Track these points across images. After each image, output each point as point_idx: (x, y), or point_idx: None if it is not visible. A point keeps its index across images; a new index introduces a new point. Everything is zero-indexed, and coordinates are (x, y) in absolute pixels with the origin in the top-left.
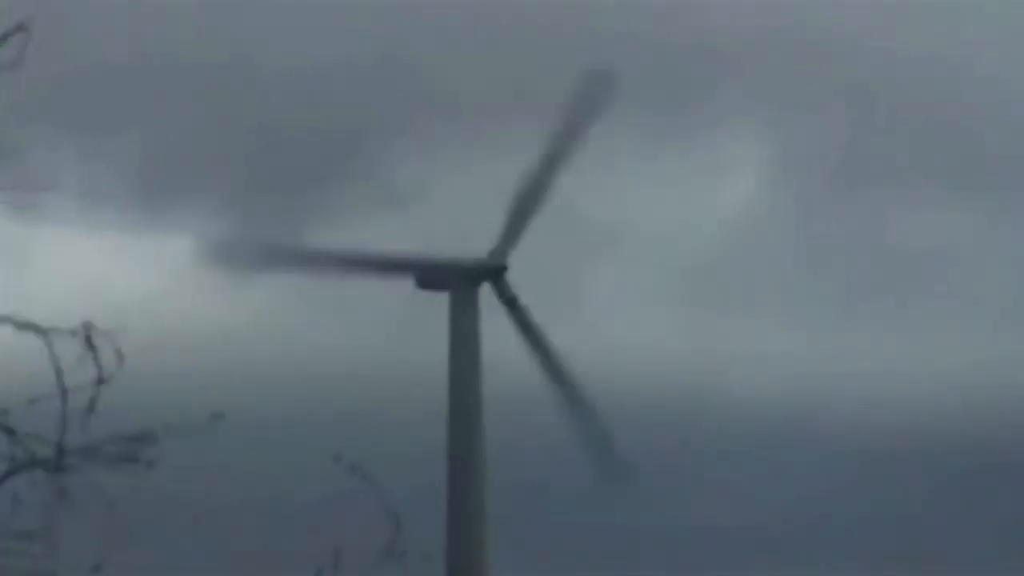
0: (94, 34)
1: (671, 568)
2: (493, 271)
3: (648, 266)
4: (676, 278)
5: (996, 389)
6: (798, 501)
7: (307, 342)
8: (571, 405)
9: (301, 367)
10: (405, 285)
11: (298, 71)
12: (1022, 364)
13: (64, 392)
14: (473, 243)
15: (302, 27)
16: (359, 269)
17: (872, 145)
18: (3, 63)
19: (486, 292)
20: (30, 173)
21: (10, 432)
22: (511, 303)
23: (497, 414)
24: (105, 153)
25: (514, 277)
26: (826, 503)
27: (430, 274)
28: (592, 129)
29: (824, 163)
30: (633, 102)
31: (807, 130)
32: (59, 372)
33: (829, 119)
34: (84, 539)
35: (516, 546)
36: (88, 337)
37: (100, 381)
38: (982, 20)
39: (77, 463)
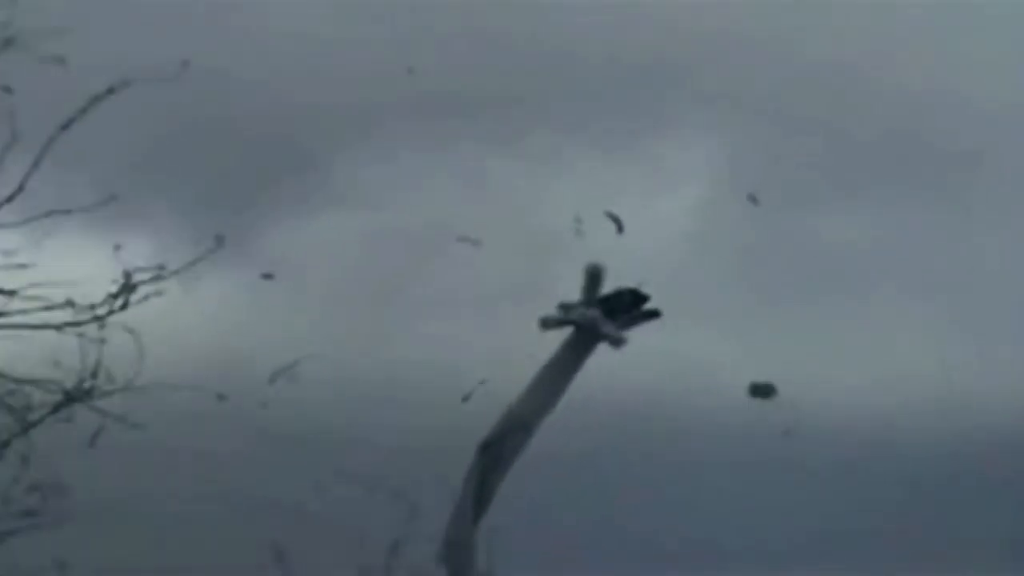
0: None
1: (656, 571)
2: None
3: (609, 272)
4: (630, 285)
5: (941, 393)
6: (757, 510)
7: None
8: None
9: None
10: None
11: (256, 69)
12: (975, 367)
13: None
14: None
15: (268, 29)
16: None
17: (821, 151)
18: None
19: None
20: None
21: None
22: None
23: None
24: (63, 156)
25: (471, 286)
26: (787, 512)
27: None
28: (540, 136)
29: (774, 170)
30: (582, 110)
31: (756, 137)
32: None
33: (778, 126)
34: None
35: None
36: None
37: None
38: (920, 23)
39: None
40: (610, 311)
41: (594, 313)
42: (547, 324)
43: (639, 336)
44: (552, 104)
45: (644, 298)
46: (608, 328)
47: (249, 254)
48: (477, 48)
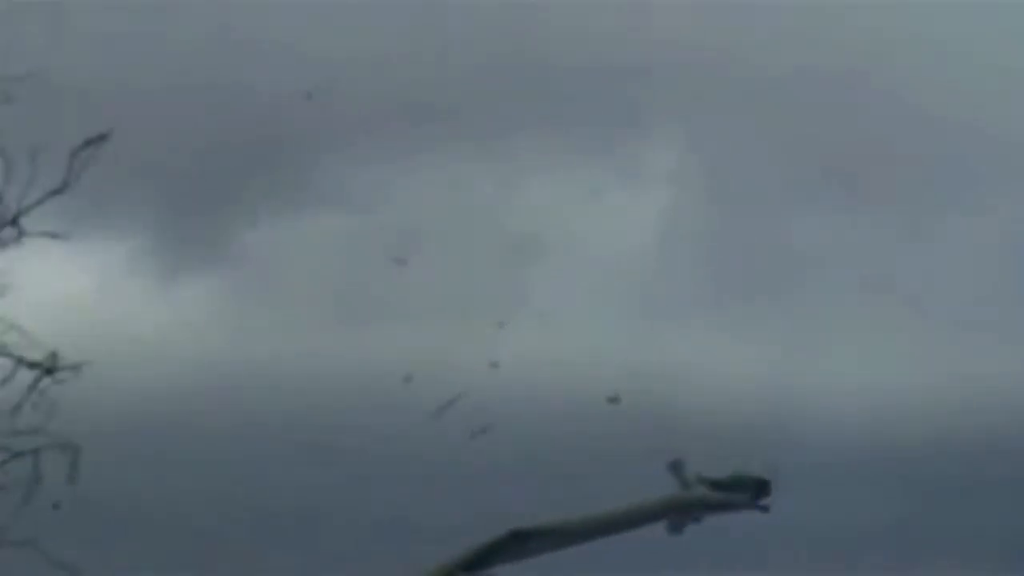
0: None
1: (653, 570)
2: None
3: (580, 276)
4: (609, 288)
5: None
6: (787, 509)
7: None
8: None
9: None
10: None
11: (237, 76)
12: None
13: None
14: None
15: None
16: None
17: (794, 154)
18: None
19: None
20: None
21: None
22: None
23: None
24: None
25: (450, 291)
26: (778, 512)
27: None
28: (513, 140)
29: (744, 172)
30: (552, 111)
31: (727, 139)
32: None
33: (749, 128)
34: None
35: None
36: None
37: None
38: (892, 27)
39: None
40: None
41: (716, 497)
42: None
43: (623, 337)
44: (529, 108)
45: (767, 486)
46: (740, 499)
47: (229, 256)
48: (456, 54)
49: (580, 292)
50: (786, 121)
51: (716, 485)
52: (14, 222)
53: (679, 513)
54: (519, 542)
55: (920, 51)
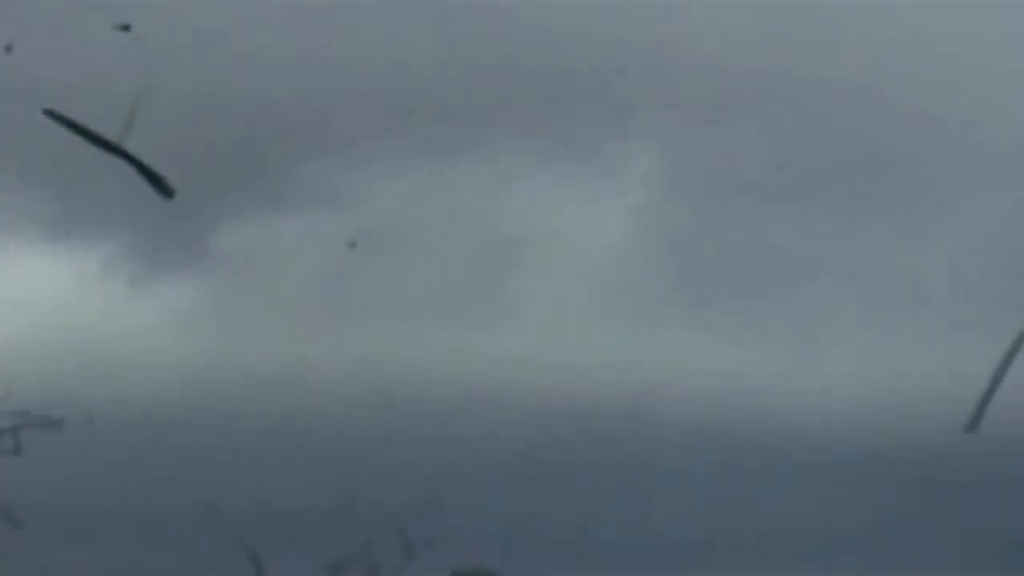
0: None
1: (650, 569)
2: None
3: (560, 275)
4: (590, 287)
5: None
6: (736, 509)
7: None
8: None
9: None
10: None
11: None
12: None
13: None
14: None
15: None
16: None
17: (766, 153)
18: None
19: None
20: None
21: None
22: None
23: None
24: (16, 159)
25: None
26: (767, 511)
27: None
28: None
29: (720, 172)
30: (526, 110)
31: (698, 138)
32: None
33: (720, 128)
34: None
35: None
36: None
37: None
38: (874, 30)
39: None
40: None
41: None
42: None
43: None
44: (505, 111)
45: None
46: None
47: (208, 255)
48: (434, 56)
49: (564, 291)
50: (772, 122)
51: None
52: None
53: None
54: None
55: (912, 51)
